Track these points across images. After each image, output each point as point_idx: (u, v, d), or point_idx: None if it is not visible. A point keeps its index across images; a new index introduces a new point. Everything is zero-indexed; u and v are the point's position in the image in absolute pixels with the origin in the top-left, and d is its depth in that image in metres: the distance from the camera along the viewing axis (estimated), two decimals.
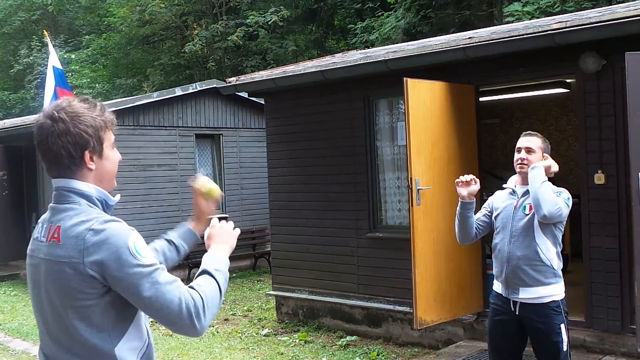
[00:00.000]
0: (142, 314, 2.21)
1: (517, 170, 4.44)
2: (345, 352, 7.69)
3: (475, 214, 4.55)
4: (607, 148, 6.42)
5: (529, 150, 4.39)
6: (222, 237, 2.43)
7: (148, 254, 2.09)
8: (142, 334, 2.22)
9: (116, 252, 2.04)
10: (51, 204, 2.23)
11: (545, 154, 4.37)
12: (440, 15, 16.11)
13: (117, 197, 2.30)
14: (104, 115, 2.23)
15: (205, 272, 2.20)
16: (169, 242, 2.74)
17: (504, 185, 4.63)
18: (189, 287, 2.12)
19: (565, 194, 4.30)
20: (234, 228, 2.49)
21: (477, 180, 4.47)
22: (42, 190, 14.59)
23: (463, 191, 4.44)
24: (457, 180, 4.47)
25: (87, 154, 2.18)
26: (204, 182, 2.67)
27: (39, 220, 2.28)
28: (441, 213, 6.81)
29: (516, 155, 4.45)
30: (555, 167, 4.45)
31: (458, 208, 4.50)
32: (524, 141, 4.44)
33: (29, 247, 2.27)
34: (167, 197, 12.66)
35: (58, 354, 2.19)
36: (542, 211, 4.15)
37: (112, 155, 2.27)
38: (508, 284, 4.37)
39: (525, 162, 4.38)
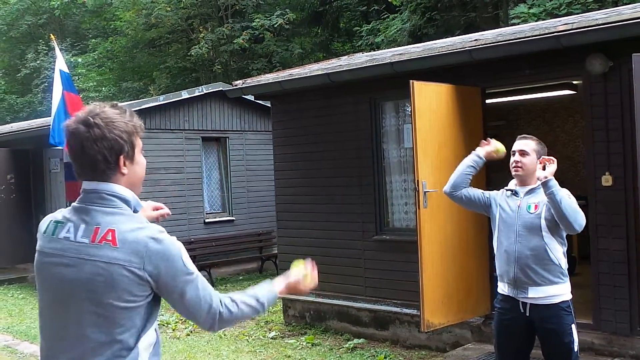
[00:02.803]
0: (156, 318, 2.32)
1: (513, 173, 4.49)
2: (353, 354, 7.68)
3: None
4: (614, 150, 6.41)
5: (522, 153, 4.42)
6: (294, 280, 2.58)
7: (191, 263, 2.28)
8: (155, 331, 2.31)
9: (174, 262, 2.21)
10: (82, 205, 2.25)
11: (547, 157, 4.34)
12: (445, 17, 16.10)
13: (144, 203, 2.43)
14: (134, 121, 2.31)
15: (255, 297, 2.41)
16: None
17: (505, 188, 4.63)
18: (233, 298, 2.34)
19: (572, 197, 4.30)
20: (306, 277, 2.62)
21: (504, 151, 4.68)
22: (50, 194, 14.64)
23: (482, 151, 4.70)
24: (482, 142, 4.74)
25: (122, 159, 2.25)
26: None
27: (60, 220, 2.28)
28: (448, 215, 6.81)
29: (511, 159, 4.48)
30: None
31: (467, 158, 4.72)
32: (518, 144, 4.49)
33: (47, 245, 2.27)
34: (174, 200, 12.67)
35: (75, 355, 2.21)
36: (576, 228, 4.19)
37: (142, 160, 2.36)
38: (516, 284, 4.36)
39: (519, 164, 4.42)
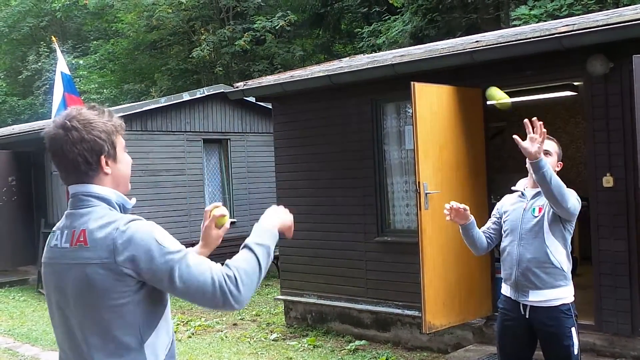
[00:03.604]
0: (169, 311, 2.28)
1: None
2: (354, 356, 7.68)
3: (481, 226, 4.54)
4: (615, 151, 6.41)
5: (547, 153, 4.30)
6: (272, 213, 2.42)
7: (173, 242, 2.16)
8: (169, 331, 2.29)
9: (146, 245, 2.11)
10: (69, 211, 2.28)
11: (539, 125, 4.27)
12: (447, 18, 16.09)
13: (133, 200, 2.35)
14: (113, 120, 2.30)
15: (245, 246, 2.25)
16: None
17: (512, 188, 4.62)
18: (225, 264, 2.18)
19: (574, 192, 4.28)
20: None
21: (463, 206, 4.34)
22: (51, 196, 14.65)
23: (457, 220, 4.38)
24: (445, 210, 4.35)
25: (103, 159, 2.24)
26: (222, 210, 2.60)
27: (55, 229, 2.31)
28: None
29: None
30: None
31: (460, 230, 4.48)
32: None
33: (46, 255, 2.30)
34: (175, 202, 12.69)
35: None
36: (567, 204, 4.09)
37: (126, 158, 2.35)
38: (518, 287, 4.36)
39: None
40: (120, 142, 2.31)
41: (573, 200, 4.14)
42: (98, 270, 2.11)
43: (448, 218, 4.36)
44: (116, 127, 2.29)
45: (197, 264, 2.14)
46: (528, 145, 3.96)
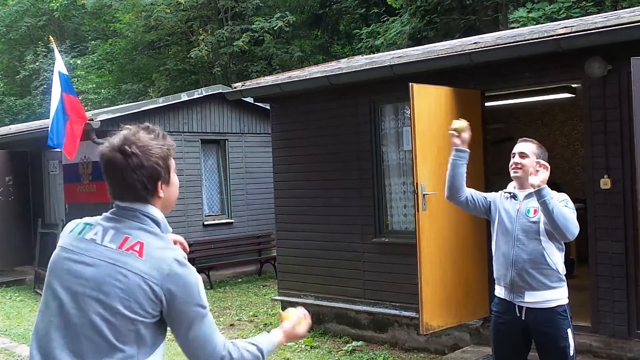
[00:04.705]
0: (164, 345, 2.34)
1: (512, 174, 4.48)
2: (352, 357, 7.68)
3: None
4: (613, 153, 6.42)
5: (522, 155, 4.41)
6: (289, 327, 2.58)
7: (206, 299, 2.29)
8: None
9: (190, 288, 2.22)
10: (118, 217, 2.31)
11: (539, 161, 4.33)
12: (445, 20, 16.11)
13: (170, 228, 2.43)
14: (167, 143, 2.34)
15: (256, 345, 2.38)
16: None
17: (503, 191, 4.63)
18: (235, 344, 2.32)
19: (570, 202, 4.30)
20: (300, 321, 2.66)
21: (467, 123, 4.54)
22: (48, 196, 14.64)
23: (456, 140, 4.50)
24: (451, 130, 4.52)
25: (159, 184, 2.31)
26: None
27: (91, 222, 2.33)
28: (447, 218, 6.81)
29: (511, 160, 4.48)
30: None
31: (450, 156, 4.53)
32: (519, 146, 4.48)
33: (72, 243, 2.30)
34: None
35: (74, 352, 2.21)
36: (568, 237, 4.17)
37: (176, 181, 2.42)
38: (513, 288, 4.37)
39: (519, 166, 4.41)
40: (172, 164, 2.37)
41: (573, 230, 4.16)
42: (142, 284, 2.17)
43: (453, 138, 4.49)
44: (170, 150, 2.34)
45: (213, 329, 2.28)
46: (530, 178, 4.15)
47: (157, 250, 2.23)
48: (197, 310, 2.23)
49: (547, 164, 4.16)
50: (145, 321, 2.19)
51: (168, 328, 2.31)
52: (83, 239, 2.29)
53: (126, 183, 2.26)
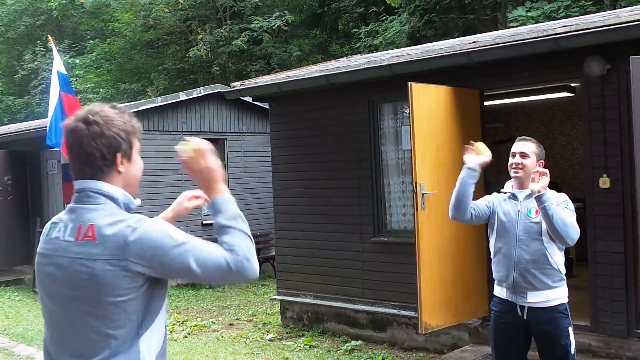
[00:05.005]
0: (164, 310, 2.30)
1: (512, 174, 4.44)
2: (350, 356, 7.67)
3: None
4: (612, 152, 6.41)
5: (523, 155, 4.38)
6: (206, 180, 2.36)
7: (182, 233, 2.22)
8: (163, 328, 2.30)
9: (157, 241, 2.16)
10: (73, 205, 2.29)
11: (538, 167, 4.33)
12: (444, 19, 16.11)
13: (138, 200, 2.38)
14: (133, 122, 2.34)
15: (223, 227, 2.26)
16: None
17: (501, 190, 4.61)
18: (227, 249, 2.22)
19: (570, 204, 4.29)
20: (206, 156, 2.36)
21: (491, 153, 4.45)
22: (47, 196, 14.62)
23: (472, 157, 4.40)
24: (469, 146, 4.45)
25: (119, 157, 2.27)
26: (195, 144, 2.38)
27: (55, 220, 2.33)
28: (446, 217, 6.72)
29: (510, 160, 4.44)
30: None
31: (461, 174, 4.42)
32: (518, 146, 4.44)
33: (44, 246, 2.31)
34: (171, 201, 12.55)
35: (74, 353, 2.23)
36: (568, 242, 4.18)
37: (139, 161, 2.38)
38: (515, 289, 4.35)
39: (520, 166, 4.38)
40: (136, 144, 2.34)
41: (574, 236, 4.16)
42: (106, 267, 2.14)
43: (468, 153, 4.43)
44: (135, 129, 2.33)
45: (209, 250, 2.19)
46: (531, 184, 4.16)
47: (108, 227, 2.17)
48: (182, 250, 2.16)
49: (546, 171, 4.15)
50: (131, 297, 2.16)
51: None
52: (50, 239, 2.29)
53: (84, 153, 2.23)
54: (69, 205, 2.31)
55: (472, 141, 4.52)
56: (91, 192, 2.26)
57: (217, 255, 2.19)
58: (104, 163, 2.25)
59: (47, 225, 2.35)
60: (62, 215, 2.31)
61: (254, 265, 2.22)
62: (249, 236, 2.27)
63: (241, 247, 2.21)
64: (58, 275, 2.23)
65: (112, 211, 2.24)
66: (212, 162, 2.36)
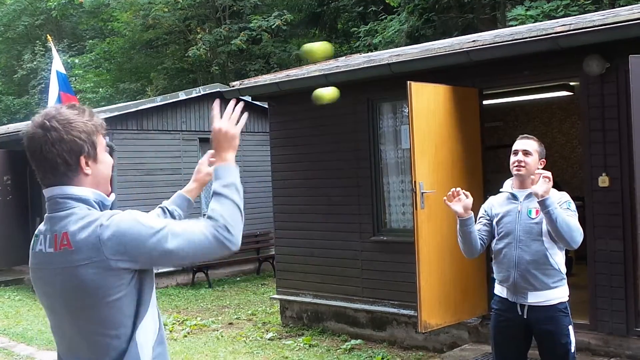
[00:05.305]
0: (154, 298, 2.27)
1: (514, 172, 4.40)
2: (350, 355, 7.68)
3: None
4: (611, 151, 6.42)
5: (526, 153, 4.35)
6: (222, 144, 2.40)
7: (156, 220, 2.19)
8: (156, 317, 2.28)
9: (133, 232, 2.11)
10: (48, 215, 2.24)
11: (540, 166, 4.33)
12: (443, 18, 16.11)
13: (112, 196, 2.33)
14: (94, 120, 2.25)
15: (215, 193, 2.26)
16: (163, 209, 2.84)
17: (500, 190, 4.60)
18: (207, 216, 2.19)
19: (572, 204, 4.27)
20: (234, 120, 2.44)
21: (468, 193, 4.35)
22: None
23: (458, 207, 4.32)
24: (447, 195, 4.34)
25: (82, 160, 2.20)
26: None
27: (37, 233, 2.28)
28: (445, 216, 6.79)
29: (513, 158, 4.40)
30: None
31: (457, 226, 4.39)
32: (521, 144, 4.41)
33: (32, 261, 2.27)
34: None
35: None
36: (573, 245, 4.16)
37: (106, 159, 2.31)
38: (516, 289, 4.34)
39: (522, 164, 4.35)
40: (101, 142, 2.26)
41: (578, 239, 4.15)
42: (88, 271, 2.10)
43: (445, 199, 4.33)
44: (97, 127, 2.25)
45: (185, 228, 2.15)
46: (534, 187, 4.12)
47: (80, 231, 2.12)
48: (160, 236, 2.11)
49: (549, 174, 4.12)
50: (122, 294, 2.14)
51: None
52: (35, 253, 2.26)
53: (46, 161, 2.18)
54: (45, 215, 2.27)
55: (453, 189, 4.38)
56: (60, 199, 2.21)
57: (194, 232, 2.14)
58: (68, 168, 2.19)
59: (33, 239, 2.31)
60: (42, 227, 2.27)
61: (235, 236, 2.17)
62: (237, 206, 2.23)
63: (223, 215, 2.18)
64: (49, 290, 2.21)
65: (83, 214, 2.18)
66: (237, 130, 2.40)
